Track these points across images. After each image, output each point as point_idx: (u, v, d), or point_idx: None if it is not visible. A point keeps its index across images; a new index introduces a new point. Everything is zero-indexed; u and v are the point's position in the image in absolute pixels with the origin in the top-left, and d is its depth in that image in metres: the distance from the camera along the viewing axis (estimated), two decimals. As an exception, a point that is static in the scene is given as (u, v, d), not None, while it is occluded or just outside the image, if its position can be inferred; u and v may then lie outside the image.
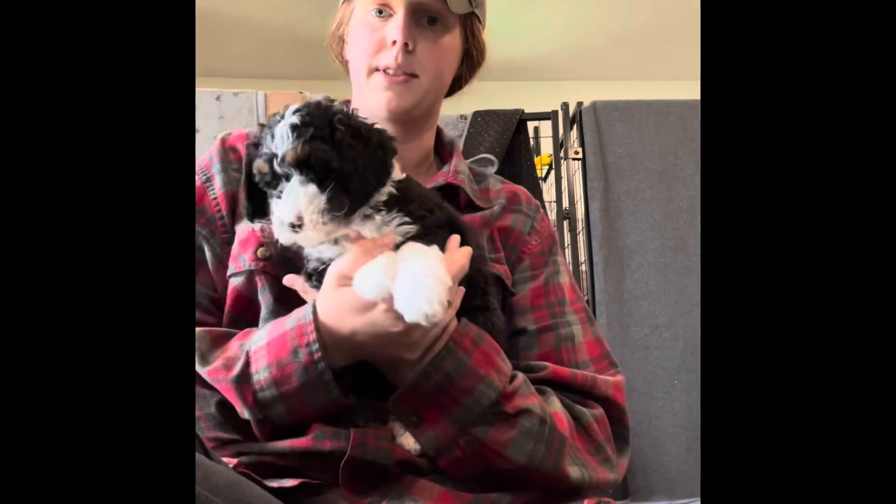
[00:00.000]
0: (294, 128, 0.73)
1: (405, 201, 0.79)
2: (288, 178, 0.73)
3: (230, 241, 0.90)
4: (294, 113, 0.74)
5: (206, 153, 0.98)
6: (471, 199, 0.99)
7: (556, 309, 0.97)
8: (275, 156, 0.73)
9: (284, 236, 0.74)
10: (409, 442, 0.79)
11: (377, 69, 0.96)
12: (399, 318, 0.72)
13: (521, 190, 1.08)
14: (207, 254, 0.90)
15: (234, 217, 0.92)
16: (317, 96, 1.22)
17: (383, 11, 0.96)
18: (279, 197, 0.73)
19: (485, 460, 0.79)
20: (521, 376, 0.84)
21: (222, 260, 0.90)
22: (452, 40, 1.00)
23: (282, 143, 0.72)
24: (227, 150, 0.97)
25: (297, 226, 0.72)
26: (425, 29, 0.96)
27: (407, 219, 0.78)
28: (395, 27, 0.94)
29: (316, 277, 0.80)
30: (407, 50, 0.94)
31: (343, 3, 1.05)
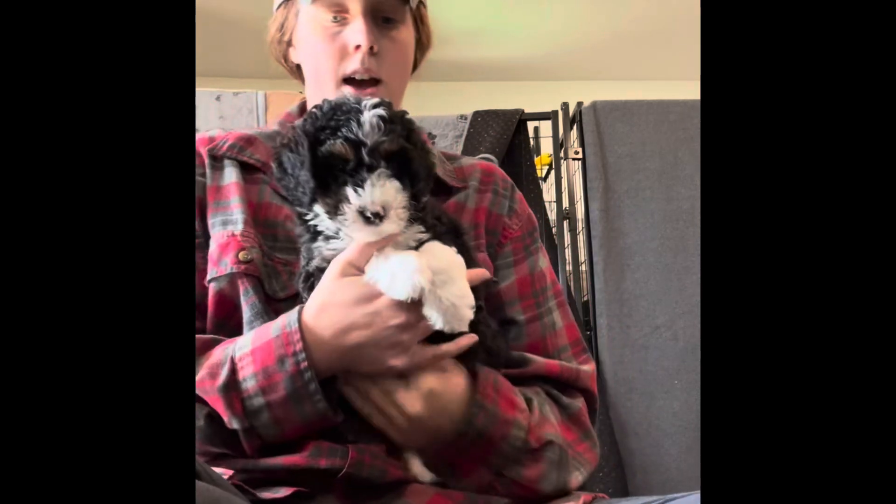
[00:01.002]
0: (384, 120, 0.73)
1: (423, 210, 0.81)
2: (371, 168, 0.72)
3: (201, 246, 0.90)
4: (376, 106, 0.74)
5: None
6: (442, 181, 0.97)
7: (541, 298, 0.98)
8: (363, 143, 0.72)
9: (356, 226, 0.73)
10: (423, 473, 0.79)
11: (344, 79, 0.95)
12: (401, 308, 0.73)
13: (495, 168, 1.08)
14: None
15: (204, 221, 0.92)
16: (317, 96, 1.20)
17: (337, 17, 0.95)
18: (358, 184, 0.72)
19: (517, 496, 0.82)
20: (534, 401, 0.86)
21: (196, 265, 0.90)
22: (408, 34, 1.01)
23: (372, 132, 0.72)
24: None
25: (377, 216, 0.72)
26: (383, 28, 0.97)
27: (422, 227, 0.79)
28: (357, 31, 0.94)
29: (317, 277, 0.79)
30: (372, 52, 0.94)
31: (280, 5, 1.03)
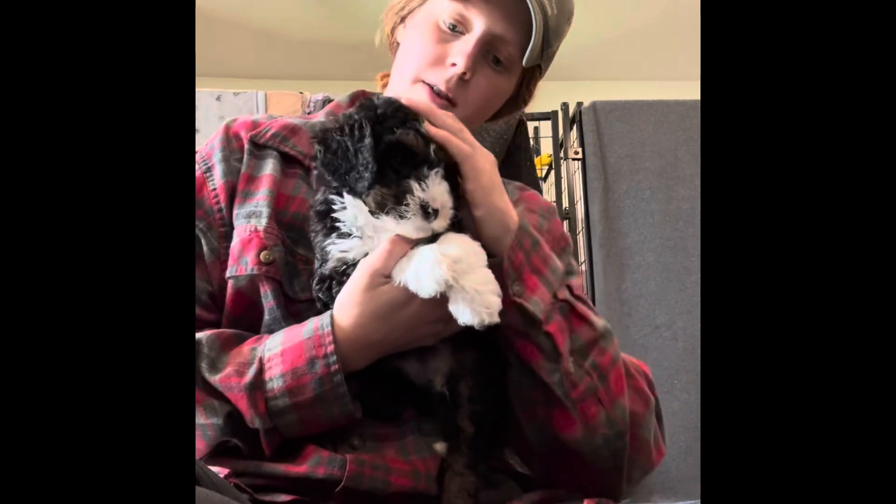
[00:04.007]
0: None
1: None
2: (432, 166, 0.74)
3: (227, 235, 0.88)
4: None
5: (207, 140, 0.96)
6: None
7: None
8: (431, 140, 0.75)
9: (413, 219, 0.73)
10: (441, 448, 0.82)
11: (423, 81, 0.92)
12: (437, 304, 0.73)
13: (534, 194, 1.08)
14: (204, 247, 0.88)
15: (232, 209, 0.89)
16: (317, 96, 1.20)
17: (457, 27, 0.92)
18: (421, 179, 0.73)
19: (575, 328, 0.82)
20: None
21: (219, 254, 0.88)
22: (507, 85, 0.98)
23: None
24: (230, 137, 0.95)
25: (435, 213, 0.73)
26: (487, 65, 0.93)
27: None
28: (461, 51, 0.91)
29: (337, 280, 0.79)
30: (463, 78, 0.91)
31: None
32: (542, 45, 0.93)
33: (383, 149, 0.74)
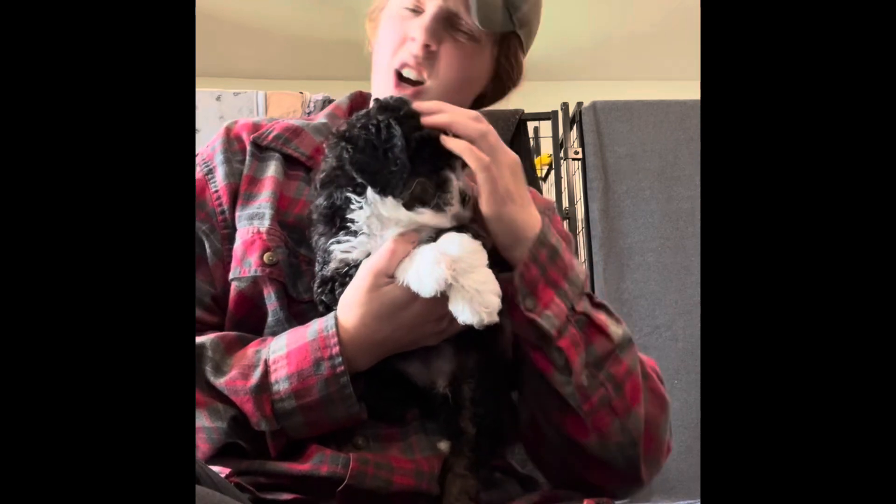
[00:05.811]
0: None
1: None
2: (451, 165, 0.77)
3: (230, 237, 0.88)
4: None
5: (208, 142, 0.96)
6: None
7: None
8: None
9: (451, 210, 0.76)
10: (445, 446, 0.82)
11: (396, 71, 0.93)
12: (439, 303, 0.73)
13: (533, 192, 1.07)
14: (207, 250, 0.88)
15: (234, 211, 0.89)
16: (317, 96, 1.20)
17: (417, 10, 0.94)
18: (454, 169, 0.77)
19: (592, 340, 0.81)
20: None
21: (222, 256, 0.88)
22: (478, 53, 0.97)
23: None
24: (231, 139, 0.94)
25: (469, 199, 0.77)
26: (456, 34, 0.94)
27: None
28: (419, 25, 0.92)
29: (339, 281, 0.79)
30: (429, 50, 0.92)
31: None
32: (506, 7, 0.94)
33: (414, 146, 0.75)
